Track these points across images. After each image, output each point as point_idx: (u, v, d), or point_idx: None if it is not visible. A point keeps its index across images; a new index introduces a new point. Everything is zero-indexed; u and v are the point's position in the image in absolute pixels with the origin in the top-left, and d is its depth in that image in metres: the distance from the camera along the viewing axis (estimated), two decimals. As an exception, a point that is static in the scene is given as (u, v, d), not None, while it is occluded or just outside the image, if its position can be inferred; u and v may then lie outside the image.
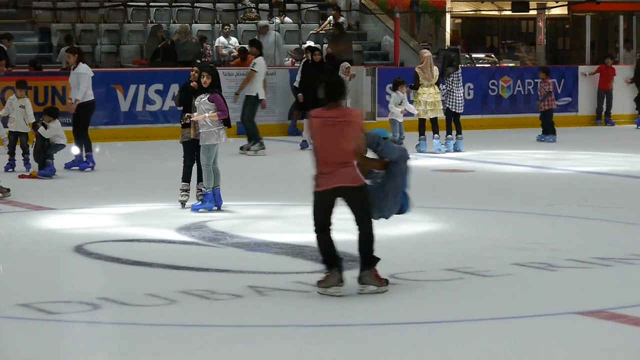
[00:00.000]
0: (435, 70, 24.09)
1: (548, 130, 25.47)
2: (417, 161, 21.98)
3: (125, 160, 21.56)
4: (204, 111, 15.77)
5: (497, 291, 10.62)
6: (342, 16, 28.78)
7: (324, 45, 28.45)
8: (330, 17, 28.89)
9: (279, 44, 28.26)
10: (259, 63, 23.50)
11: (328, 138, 11.00)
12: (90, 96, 20.35)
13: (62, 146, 19.82)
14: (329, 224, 11.24)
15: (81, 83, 20.06)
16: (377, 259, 11.04)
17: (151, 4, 28.26)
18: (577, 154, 23.44)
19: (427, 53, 24.73)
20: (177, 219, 15.25)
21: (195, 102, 16.34)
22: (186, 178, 16.15)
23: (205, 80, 15.95)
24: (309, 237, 13.59)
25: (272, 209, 15.97)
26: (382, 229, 14.31)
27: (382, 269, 11.79)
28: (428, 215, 15.49)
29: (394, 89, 23.63)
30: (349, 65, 25.26)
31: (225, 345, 9.34)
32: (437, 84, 24.06)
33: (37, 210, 16.08)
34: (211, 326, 9.98)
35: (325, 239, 11.26)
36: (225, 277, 11.75)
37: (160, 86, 22.58)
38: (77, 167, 20.09)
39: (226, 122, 16.00)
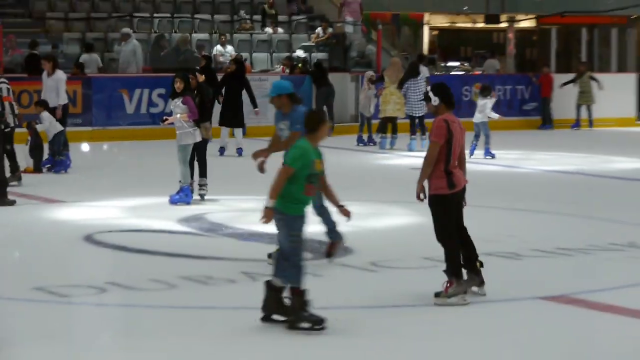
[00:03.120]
0: (396, 71, 24.23)
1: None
2: (396, 160, 22.05)
3: (130, 158, 21.59)
4: (177, 113, 15.71)
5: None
6: (330, 27, 28.72)
7: (313, 54, 28.61)
8: (319, 29, 28.82)
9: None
10: None
11: (459, 140, 10.43)
12: (66, 99, 20.27)
13: (62, 132, 19.59)
14: None
15: (60, 88, 19.95)
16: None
17: (155, 15, 28.20)
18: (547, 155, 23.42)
19: (396, 60, 24.83)
20: (177, 211, 15.17)
21: (171, 106, 16.49)
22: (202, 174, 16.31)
23: (178, 86, 15.98)
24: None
25: (263, 203, 15.96)
26: (367, 221, 14.39)
27: (366, 257, 12.24)
28: (408, 210, 15.38)
29: (484, 95, 22.33)
30: (372, 73, 25.26)
31: (221, 326, 9.41)
32: (399, 87, 24.00)
33: (49, 203, 16.19)
34: (208, 308, 10.07)
35: (458, 245, 10.61)
36: (221, 264, 11.75)
37: (162, 90, 22.60)
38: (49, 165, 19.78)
39: (197, 123, 15.91)
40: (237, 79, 22.77)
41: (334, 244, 11.69)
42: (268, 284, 9.09)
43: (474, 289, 10.23)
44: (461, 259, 10.18)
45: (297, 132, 11.38)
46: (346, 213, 9.42)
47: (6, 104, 17.68)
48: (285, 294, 9.06)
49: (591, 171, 21.04)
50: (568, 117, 28.51)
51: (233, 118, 22.41)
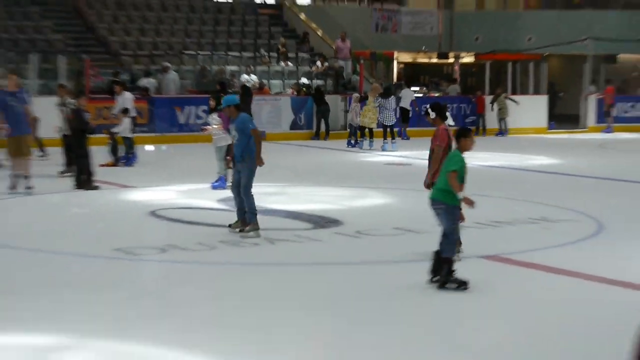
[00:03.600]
0: (375, 94, 23.97)
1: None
2: (374, 158, 22.11)
3: (181, 155, 21.43)
4: (213, 124, 15.60)
5: (426, 242, 10.19)
6: (327, 62, 28.67)
7: (314, 81, 28.51)
8: (318, 63, 28.71)
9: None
10: None
11: (451, 144, 10.26)
12: (135, 113, 20.00)
13: (129, 139, 19.49)
14: None
15: (128, 105, 19.31)
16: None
17: (199, 52, 28.10)
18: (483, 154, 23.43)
19: (376, 85, 24.83)
20: (216, 194, 15.01)
21: (209, 119, 16.50)
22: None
23: (211, 103, 16.03)
24: (304, 207, 14.08)
25: (279, 188, 15.94)
26: (352, 201, 14.62)
27: (352, 227, 12.28)
28: (382, 193, 15.62)
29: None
30: (358, 95, 25.29)
31: (249, 277, 9.64)
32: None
33: (124, 187, 16.19)
34: (239, 264, 10.22)
35: None
36: (236, 235, 11.53)
37: (204, 107, 22.46)
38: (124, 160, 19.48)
39: (227, 131, 15.74)
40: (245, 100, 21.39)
41: (250, 224, 11.41)
42: (436, 254, 9.03)
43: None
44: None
45: (255, 129, 11.66)
46: (469, 202, 8.96)
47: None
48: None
49: (516, 166, 20.82)
50: (495, 127, 28.30)
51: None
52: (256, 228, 11.30)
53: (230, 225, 11.60)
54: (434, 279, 8.96)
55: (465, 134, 9.20)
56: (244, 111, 16.03)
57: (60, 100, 17.42)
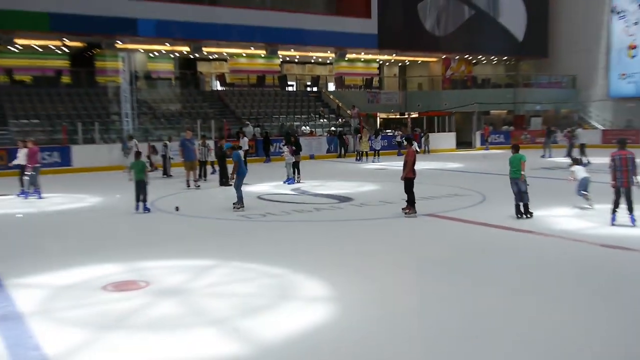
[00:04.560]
0: (367, 134, 23.63)
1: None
2: (369, 166, 20.87)
3: (270, 168, 20.32)
4: (285, 151, 15.45)
5: (396, 209, 10.27)
6: (344, 119, 28.02)
7: (338, 128, 26.67)
8: (339, 119, 28.38)
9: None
10: None
11: (415, 157, 10.01)
12: (247, 147, 18.74)
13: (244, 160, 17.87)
14: None
15: (243, 144, 18.06)
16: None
17: (281, 116, 27.43)
18: (423, 162, 22.83)
19: (365, 130, 24.27)
20: (288, 187, 14.31)
21: (284, 147, 16.38)
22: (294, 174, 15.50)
23: (285, 140, 16.25)
24: (334, 191, 13.45)
25: (320, 182, 15.50)
26: (358, 188, 14.13)
27: (358, 201, 11.71)
28: (374, 184, 14.85)
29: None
30: (360, 135, 23.93)
31: (310, 226, 9.40)
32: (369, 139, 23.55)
33: (244, 184, 15.69)
34: (303, 221, 9.76)
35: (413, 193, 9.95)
36: (302, 206, 11.19)
37: (282, 142, 22.35)
38: None
39: (293, 154, 15.34)
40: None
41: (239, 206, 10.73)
42: (522, 205, 9.19)
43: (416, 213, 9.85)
44: (415, 198, 9.92)
45: (237, 162, 10.77)
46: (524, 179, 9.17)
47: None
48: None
49: (440, 167, 19.34)
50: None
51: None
52: (241, 207, 10.77)
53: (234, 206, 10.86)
54: (521, 216, 9.17)
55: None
56: (296, 146, 15.83)
57: (202, 142, 16.53)
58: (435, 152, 27.57)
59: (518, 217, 9.44)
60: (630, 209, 8.53)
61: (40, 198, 13.07)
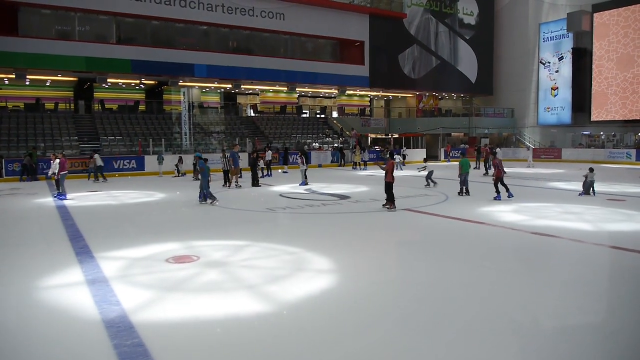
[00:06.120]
0: (359, 150, 23.18)
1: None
2: (362, 173, 19.81)
3: (291, 174, 19.53)
4: (300, 162, 14.95)
5: (381, 205, 10.02)
6: (345, 138, 27.25)
7: (339, 145, 25.45)
8: (341, 139, 28.14)
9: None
10: None
11: (394, 165, 9.50)
12: (270, 158, 18.19)
13: (269, 166, 17.70)
14: None
15: (269, 156, 18.12)
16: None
17: (297, 134, 26.70)
18: (397, 172, 21.50)
19: (359, 147, 23.77)
20: (302, 188, 13.97)
21: (298, 160, 15.94)
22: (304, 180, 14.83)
23: (300, 154, 15.24)
24: (335, 191, 13.01)
25: (326, 184, 15.09)
26: (355, 189, 13.58)
27: (355, 199, 11.28)
28: (366, 186, 14.37)
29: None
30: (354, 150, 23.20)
31: (320, 217, 8.97)
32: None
33: (269, 186, 14.71)
34: (313, 213, 9.42)
35: (392, 194, 9.50)
36: (312, 202, 10.84)
37: (297, 155, 21.79)
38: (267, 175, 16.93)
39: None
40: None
41: (211, 201, 10.18)
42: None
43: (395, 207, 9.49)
44: (393, 197, 9.55)
45: (203, 168, 9.97)
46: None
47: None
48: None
49: (412, 175, 18.23)
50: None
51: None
52: (214, 199, 10.25)
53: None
54: (461, 194, 10.51)
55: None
56: (306, 157, 15.24)
57: (223, 154, 15.12)
58: (409, 163, 27.51)
59: (459, 195, 11.59)
60: (507, 190, 11.16)
61: (65, 199, 11.53)
